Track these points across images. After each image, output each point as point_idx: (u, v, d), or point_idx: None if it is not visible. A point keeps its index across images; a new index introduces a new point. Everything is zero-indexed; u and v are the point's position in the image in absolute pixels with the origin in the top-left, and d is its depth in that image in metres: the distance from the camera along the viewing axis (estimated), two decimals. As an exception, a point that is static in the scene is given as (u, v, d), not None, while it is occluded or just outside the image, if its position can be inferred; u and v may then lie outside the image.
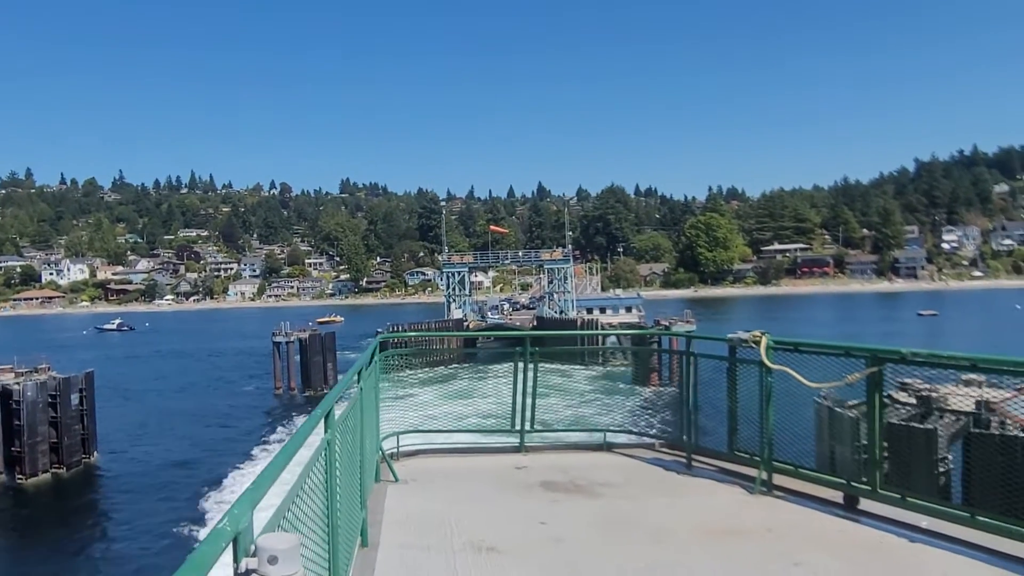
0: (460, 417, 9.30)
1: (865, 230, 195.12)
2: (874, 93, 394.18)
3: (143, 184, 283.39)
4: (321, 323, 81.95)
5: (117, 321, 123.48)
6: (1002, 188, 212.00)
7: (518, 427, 9.23)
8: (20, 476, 31.44)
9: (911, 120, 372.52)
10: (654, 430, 9.64)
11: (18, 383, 31.37)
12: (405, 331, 66.41)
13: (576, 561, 5.73)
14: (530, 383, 9.18)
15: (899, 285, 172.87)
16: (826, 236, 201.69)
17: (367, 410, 6.43)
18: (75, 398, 32.83)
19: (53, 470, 32.00)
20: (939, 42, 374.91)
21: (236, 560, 2.30)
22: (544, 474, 8.23)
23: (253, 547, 2.35)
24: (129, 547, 24.51)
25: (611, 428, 9.66)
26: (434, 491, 7.69)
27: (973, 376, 8.48)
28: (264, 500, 2.53)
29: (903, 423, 9.14)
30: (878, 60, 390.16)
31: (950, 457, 9.44)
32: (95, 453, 34.67)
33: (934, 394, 9.78)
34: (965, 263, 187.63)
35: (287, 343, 56.03)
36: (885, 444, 6.93)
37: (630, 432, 9.79)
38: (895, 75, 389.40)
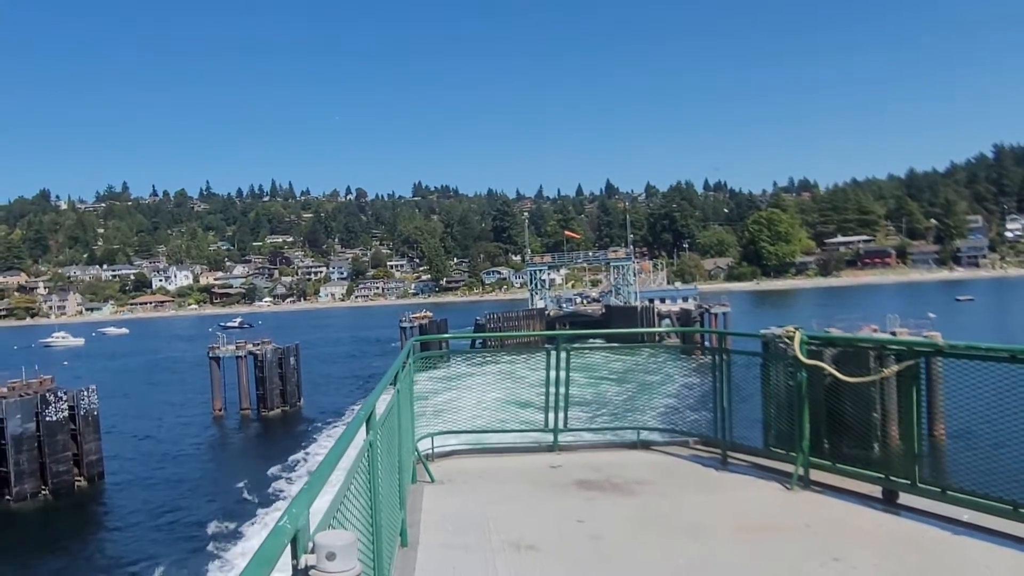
0: (494, 417, 9.35)
1: (933, 220, 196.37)
2: (955, 75, 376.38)
3: (229, 193, 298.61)
4: (415, 318, 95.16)
5: (239, 320, 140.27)
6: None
7: (551, 426, 9.26)
8: (264, 411, 45.67)
9: (994, 104, 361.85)
10: (688, 423, 9.43)
11: (260, 350, 45.32)
12: (499, 319, 78.20)
13: (614, 558, 5.74)
14: (563, 384, 9.26)
15: (959, 273, 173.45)
16: (890, 227, 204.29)
17: (403, 412, 6.57)
18: (292, 360, 46.69)
19: (281, 408, 46.08)
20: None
21: (295, 556, 2.39)
22: (579, 472, 8.17)
23: (311, 544, 2.43)
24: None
25: (644, 426, 9.50)
26: (470, 491, 7.69)
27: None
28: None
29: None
30: (963, 42, 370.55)
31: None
32: (301, 400, 48.53)
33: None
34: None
35: (411, 327, 70.15)
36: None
37: (663, 430, 9.66)
38: (978, 57, 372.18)
